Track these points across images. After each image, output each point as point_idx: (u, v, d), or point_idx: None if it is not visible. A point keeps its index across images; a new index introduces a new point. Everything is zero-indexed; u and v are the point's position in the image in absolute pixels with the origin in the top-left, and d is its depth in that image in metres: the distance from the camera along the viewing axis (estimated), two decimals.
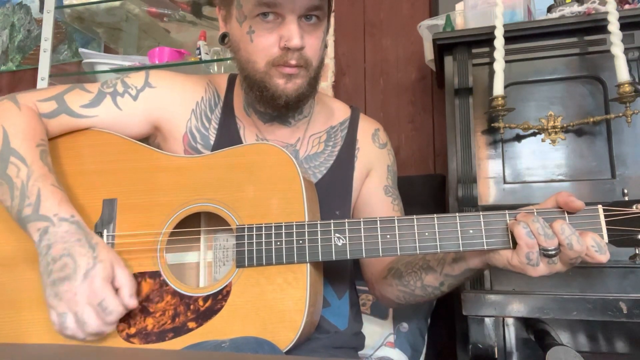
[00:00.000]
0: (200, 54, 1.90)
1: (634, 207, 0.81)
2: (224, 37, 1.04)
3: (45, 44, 1.99)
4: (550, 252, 0.78)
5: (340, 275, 1.08)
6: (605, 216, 0.82)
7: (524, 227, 0.78)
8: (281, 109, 1.01)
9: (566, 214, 0.82)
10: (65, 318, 0.82)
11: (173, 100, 1.07)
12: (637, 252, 0.83)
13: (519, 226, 0.79)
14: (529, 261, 0.79)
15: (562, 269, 0.80)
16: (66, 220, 0.87)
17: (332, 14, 2.03)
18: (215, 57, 1.91)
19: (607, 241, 0.81)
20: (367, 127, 1.17)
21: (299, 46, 0.94)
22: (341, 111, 1.17)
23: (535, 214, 0.82)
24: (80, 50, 2.07)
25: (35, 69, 2.00)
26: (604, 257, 0.78)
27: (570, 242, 0.77)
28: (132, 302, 0.86)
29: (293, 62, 0.95)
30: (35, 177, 0.89)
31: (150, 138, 1.10)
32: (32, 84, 2.26)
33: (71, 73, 2.34)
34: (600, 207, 0.82)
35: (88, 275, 0.82)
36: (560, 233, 0.77)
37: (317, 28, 0.98)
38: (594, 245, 0.78)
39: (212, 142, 1.06)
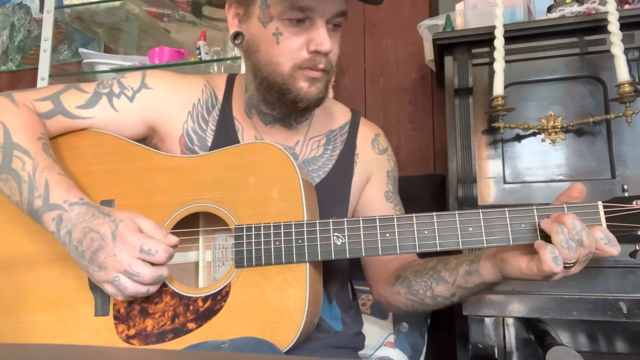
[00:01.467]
0: (200, 54, 1.90)
1: (634, 203, 0.81)
2: (236, 35, 1.01)
3: (45, 44, 1.99)
4: (569, 264, 0.78)
5: (329, 279, 1.06)
6: (605, 212, 0.82)
7: (551, 252, 0.77)
8: (298, 111, 1.01)
9: (565, 207, 0.82)
10: (119, 280, 0.82)
11: (169, 102, 1.06)
12: (637, 248, 0.83)
13: (546, 251, 0.77)
14: (547, 278, 0.80)
15: (575, 271, 0.80)
16: (76, 204, 0.87)
17: None
18: (215, 57, 1.91)
19: None
20: (367, 133, 1.16)
21: (329, 50, 0.94)
22: (342, 114, 1.16)
23: (536, 210, 0.82)
24: (80, 50, 2.07)
25: (35, 69, 2.00)
26: (614, 249, 0.78)
27: (581, 237, 0.76)
28: (171, 239, 0.86)
29: (321, 65, 0.95)
30: (41, 168, 0.89)
31: (148, 139, 1.09)
32: (32, 84, 2.26)
33: (71, 73, 2.34)
34: (600, 203, 0.82)
35: (116, 236, 0.83)
36: (572, 228, 0.77)
37: (338, 34, 0.99)
38: (603, 237, 0.78)
39: (209, 144, 1.06)
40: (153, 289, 0.85)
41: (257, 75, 1.00)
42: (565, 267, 0.78)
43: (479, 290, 0.94)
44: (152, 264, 0.83)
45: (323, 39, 0.93)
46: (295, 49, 0.95)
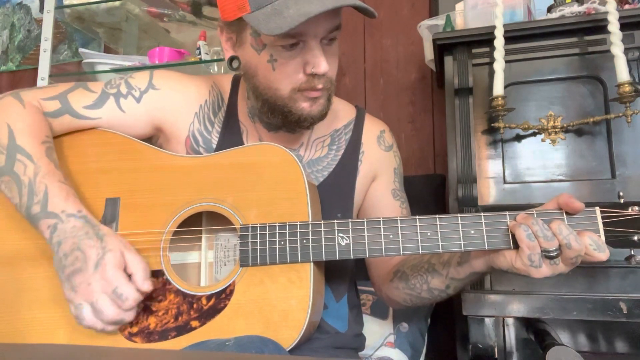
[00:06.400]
0: (200, 54, 1.90)
1: (630, 209, 0.83)
2: (232, 60, 1.00)
3: (45, 44, 1.99)
4: (551, 254, 0.79)
5: (338, 277, 1.07)
6: (603, 217, 0.83)
7: (524, 230, 0.79)
8: (305, 128, 1.02)
9: (565, 215, 0.83)
10: (82, 309, 0.82)
11: (176, 103, 1.05)
12: (632, 253, 0.85)
13: (519, 229, 0.80)
14: (531, 263, 0.80)
15: (565, 269, 0.81)
16: (73, 215, 0.87)
17: None
18: (215, 57, 1.91)
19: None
20: (372, 129, 1.15)
21: (327, 71, 0.92)
22: (346, 112, 1.16)
23: (535, 215, 0.83)
24: (80, 50, 2.07)
25: (35, 69, 2.00)
26: (603, 255, 0.79)
27: (569, 241, 0.78)
28: (146, 286, 0.85)
29: (320, 86, 0.94)
30: (42, 174, 0.89)
31: (153, 138, 1.09)
32: (32, 84, 2.26)
33: (71, 73, 2.34)
34: (597, 208, 0.84)
35: (99, 265, 0.82)
36: (559, 233, 0.79)
37: (334, 46, 0.97)
38: (592, 243, 0.79)
39: (214, 146, 1.06)
40: (110, 328, 0.85)
41: (259, 97, 1.00)
42: (546, 257, 0.79)
43: (471, 280, 0.95)
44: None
45: (319, 60, 0.91)
46: (291, 74, 0.94)
